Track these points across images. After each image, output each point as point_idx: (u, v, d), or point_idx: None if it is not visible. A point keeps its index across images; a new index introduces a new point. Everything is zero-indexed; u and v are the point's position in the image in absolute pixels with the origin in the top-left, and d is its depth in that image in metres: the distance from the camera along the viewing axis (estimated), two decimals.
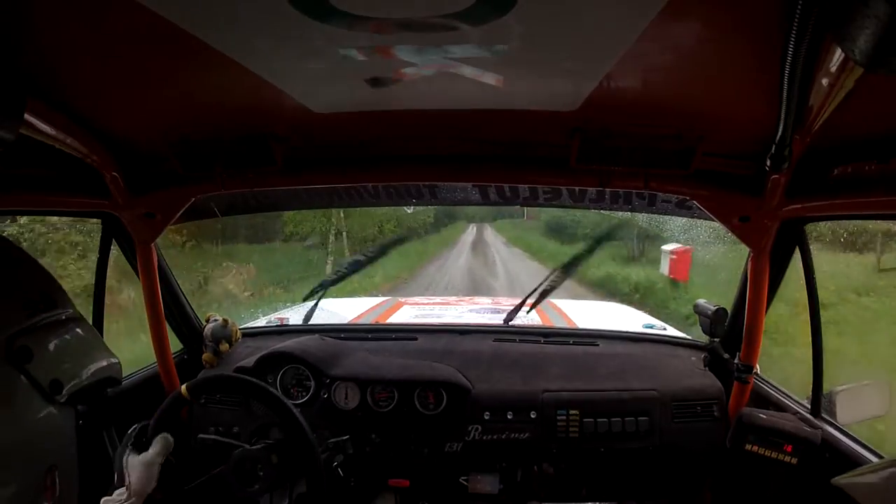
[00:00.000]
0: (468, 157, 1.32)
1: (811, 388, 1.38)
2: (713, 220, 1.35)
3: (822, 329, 1.36)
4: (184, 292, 1.77)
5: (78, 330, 0.74)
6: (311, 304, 2.08)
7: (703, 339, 1.67)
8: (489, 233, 24.14)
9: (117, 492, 1.06)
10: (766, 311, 1.43)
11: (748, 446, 1.35)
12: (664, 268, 8.21)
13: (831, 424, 1.32)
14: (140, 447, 1.13)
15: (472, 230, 24.86)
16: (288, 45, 0.79)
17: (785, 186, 1.19)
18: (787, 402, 1.45)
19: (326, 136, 1.25)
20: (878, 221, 5.12)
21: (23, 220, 4.91)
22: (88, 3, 0.70)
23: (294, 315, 2.19)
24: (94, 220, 1.57)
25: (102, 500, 1.06)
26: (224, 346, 1.71)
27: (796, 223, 1.33)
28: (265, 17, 0.70)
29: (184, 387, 1.24)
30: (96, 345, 0.79)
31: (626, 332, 1.88)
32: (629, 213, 1.60)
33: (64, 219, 5.06)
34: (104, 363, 0.77)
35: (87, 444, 1.44)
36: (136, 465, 1.10)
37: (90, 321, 1.52)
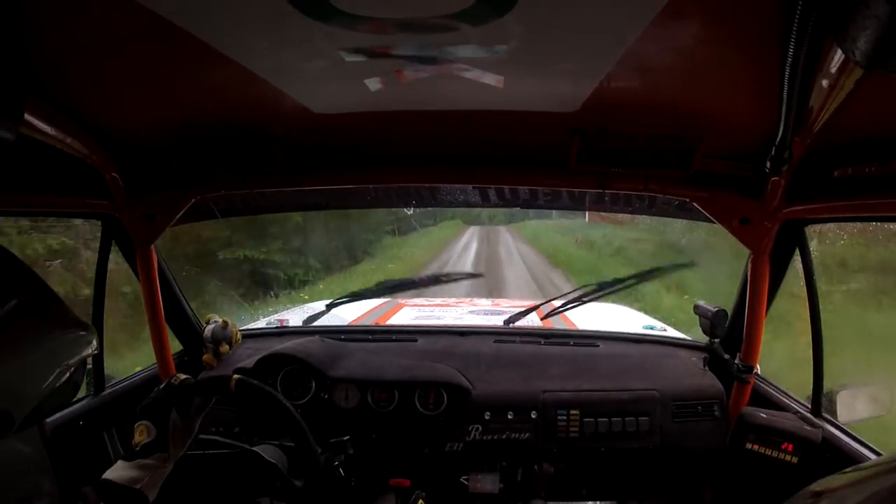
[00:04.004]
0: (468, 158, 1.32)
1: (811, 388, 1.38)
2: (713, 222, 1.35)
3: (822, 329, 1.36)
4: (183, 293, 1.77)
5: (30, 324, 0.58)
6: (311, 305, 2.08)
7: (703, 339, 1.67)
8: (516, 264, 11.22)
9: (156, 455, 1.00)
10: (766, 313, 1.43)
11: (749, 445, 1.36)
12: None
13: (832, 424, 1.32)
14: (182, 409, 1.06)
15: (469, 244, 13.11)
16: (288, 44, 0.79)
17: (785, 188, 1.19)
18: (787, 401, 1.45)
19: (326, 136, 1.25)
20: None
21: None
22: (89, 3, 0.70)
23: (294, 316, 2.19)
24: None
25: (134, 462, 0.98)
26: (224, 348, 1.71)
27: (796, 224, 1.33)
28: (265, 16, 0.71)
29: (235, 377, 1.10)
30: (59, 328, 0.62)
31: (627, 333, 1.88)
32: None
33: None
34: (73, 347, 0.62)
35: (88, 446, 1.44)
36: (180, 429, 1.05)
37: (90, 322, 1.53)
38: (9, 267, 0.60)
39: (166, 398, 1.06)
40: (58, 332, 0.62)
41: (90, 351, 0.66)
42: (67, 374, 0.63)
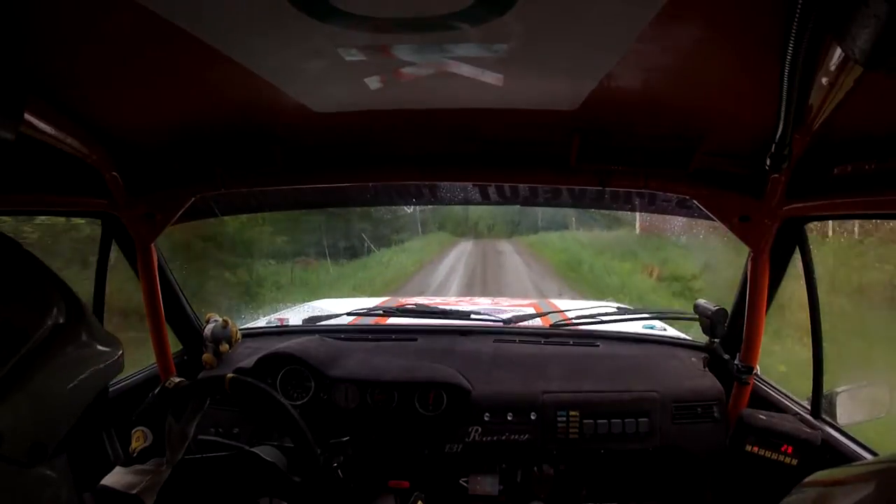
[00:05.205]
0: (468, 156, 1.32)
1: (811, 390, 1.38)
2: (713, 220, 1.35)
3: (822, 330, 1.35)
4: (184, 293, 1.77)
5: (64, 344, 0.54)
6: (311, 304, 2.08)
7: (703, 339, 1.67)
8: None
9: (153, 461, 1.01)
10: (766, 312, 1.43)
11: (748, 447, 1.35)
12: None
13: (831, 425, 1.32)
14: (177, 413, 1.06)
15: (444, 287, 8.07)
16: (288, 44, 0.79)
17: (785, 186, 1.19)
18: (787, 403, 1.45)
19: (326, 135, 1.25)
20: None
21: None
22: (89, 3, 0.70)
23: (294, 316, 2.19)
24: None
25: (132, 467, 0.99)
26: (224, 347, 1.71)
27: (796, 223, 1.33)
28: (265, 16, 0.71)
29: (229, 376, 1.09)
30: (91, 348, 0.59)
31: (627, 333, 1.87)
32: None
33: None
34: (104, 367, 0.59)
35: (87, 447, 1.44)
36: (176, 433, 1.05)
37: None
38: (47, 283, 0.56)
39: (161, 402, 1.06)
40: (90, 352, 0.59)
41: (118, 367, 0.62)
42: (97, 396, 0.60)
